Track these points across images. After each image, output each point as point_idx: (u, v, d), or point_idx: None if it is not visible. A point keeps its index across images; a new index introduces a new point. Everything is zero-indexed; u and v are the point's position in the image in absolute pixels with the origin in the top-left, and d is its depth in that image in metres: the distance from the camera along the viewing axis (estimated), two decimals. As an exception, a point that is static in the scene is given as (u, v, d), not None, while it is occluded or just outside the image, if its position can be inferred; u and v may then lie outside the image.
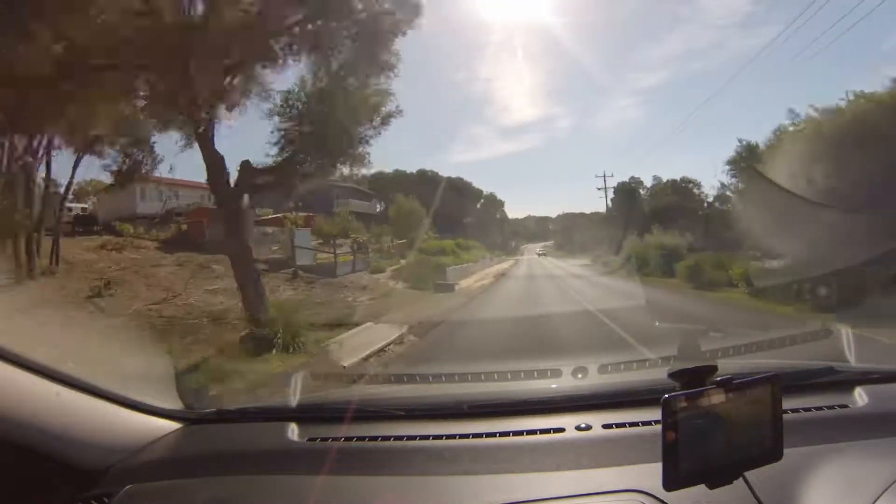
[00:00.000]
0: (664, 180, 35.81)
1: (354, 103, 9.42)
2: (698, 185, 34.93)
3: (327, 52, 9.19)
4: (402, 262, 21.00)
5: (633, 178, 36.21)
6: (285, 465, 1.52)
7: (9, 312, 6.87)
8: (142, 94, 8.86)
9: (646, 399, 1.56)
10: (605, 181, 33.35)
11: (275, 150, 9.67)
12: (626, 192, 34.62)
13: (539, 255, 46.16)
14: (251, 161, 9.36)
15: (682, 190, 32.33)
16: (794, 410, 1.54)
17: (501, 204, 48.50)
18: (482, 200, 46.40)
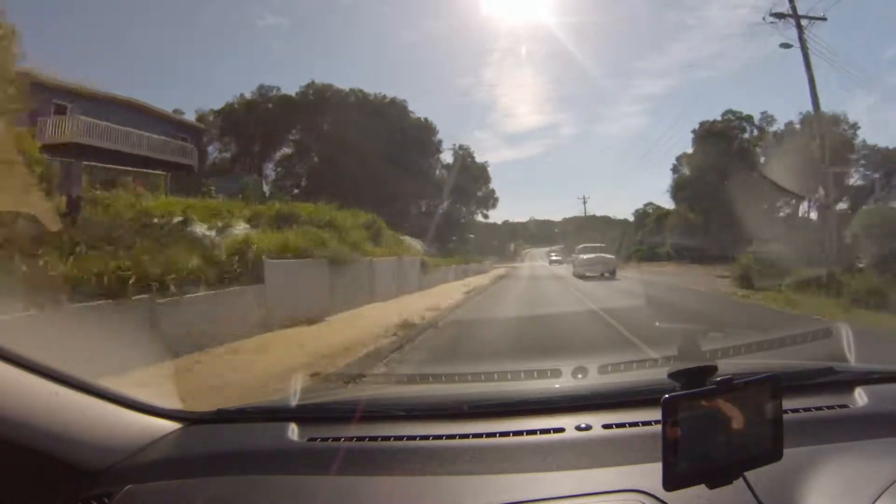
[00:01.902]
0: (777, 123, 21.35)
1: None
2: (853, 127, 21.44)
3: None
4: None
5: (729, 112, 21.78)
6: (285, 465, 1.52)
7: None
8: None
9: (646, 399, 1.57)
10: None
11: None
12: (719, 137, 21.31)
13: (558, 261, 39.91)
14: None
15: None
16: (794, 410, 1.54)
17: (483, 171, 36.93)
18: (445, 149, 30.11)
